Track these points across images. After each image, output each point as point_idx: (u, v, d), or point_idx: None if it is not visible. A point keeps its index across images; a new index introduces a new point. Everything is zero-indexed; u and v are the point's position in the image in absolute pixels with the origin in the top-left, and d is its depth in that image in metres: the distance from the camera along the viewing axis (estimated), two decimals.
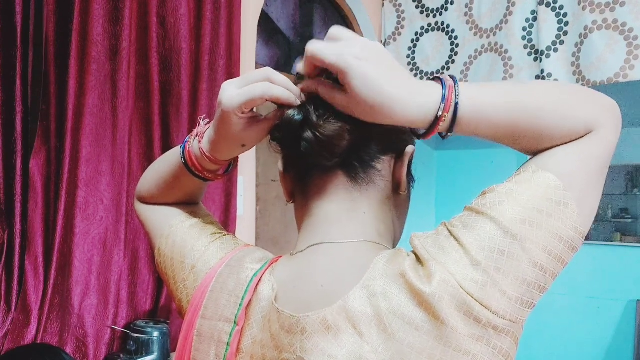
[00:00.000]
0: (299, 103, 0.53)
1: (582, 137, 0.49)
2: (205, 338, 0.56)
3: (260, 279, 0.55)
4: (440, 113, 0.47)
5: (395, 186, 0.58)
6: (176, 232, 0.65)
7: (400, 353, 0.45)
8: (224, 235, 0.66)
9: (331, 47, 0.49)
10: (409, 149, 0.57)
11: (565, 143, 0.49)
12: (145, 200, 0.71)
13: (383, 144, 0.56)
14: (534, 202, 0.46)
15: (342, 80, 0.48)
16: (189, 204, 0.70)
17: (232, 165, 0.64)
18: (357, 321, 0.47)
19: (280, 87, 0.53)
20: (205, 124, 0.61)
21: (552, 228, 0.46)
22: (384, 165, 0.56)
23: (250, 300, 0.54)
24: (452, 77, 0.50)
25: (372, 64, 0.47)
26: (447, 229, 0.49)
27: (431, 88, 0.49)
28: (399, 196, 0.59)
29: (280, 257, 0.59)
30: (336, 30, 0.51)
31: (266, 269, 0.57)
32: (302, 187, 0.58)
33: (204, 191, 0.73)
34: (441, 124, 0.48)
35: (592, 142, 0.49)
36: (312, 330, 0.48)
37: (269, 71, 0.54)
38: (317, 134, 0.51)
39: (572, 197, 0.47)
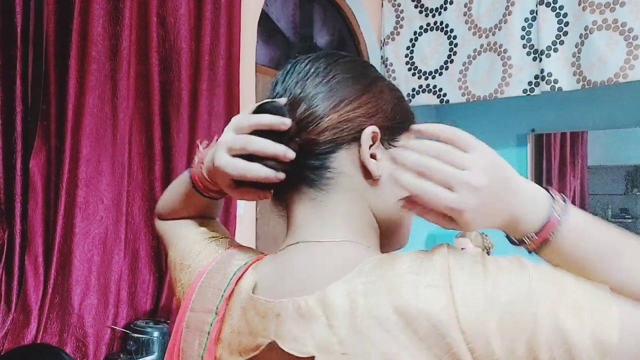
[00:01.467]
0: (286, 156, 0.53)
1: None
2: (191, 329, 0.59)
3: (243, 273, 0.57)
4: (529, 241, 0.49)
5: (367, 174, 0.55)
6: (183, 240, 0.70)
7: (365, 351, 0.45)
8: (222, 237, 0.69)
9: (446, 197, 0.47)
10: (367, 131, 0.54)
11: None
12: (163, 217, 0.77)
13: (328, 143, 0.54)
14: (586, 319, 0.43)
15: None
16: (203, 217, 0.75)
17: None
18: (331, 313, 0.47)
19: (261, 141, 0.53)
20: (204, 148, 0.65)
21: (578, 342, 0.43)
22: (339, 161, 0.55)
23: (232, 292, 0.56)
24: (563, 197, 0.49)
25: (487, 211, 0.48)
26: (481, 259, 0.48)
27: (538, 213, 0.48)
28: (376, 185, 0.56)
29: (266, 255, 0.61)
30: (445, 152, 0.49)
31: (250, 264, 0.58)
32: (280, 198, 0.61)
33: (219, 206, 0.77)
34: (529, 246, 0.50)
35: None
36: (286, 316, 0.49)
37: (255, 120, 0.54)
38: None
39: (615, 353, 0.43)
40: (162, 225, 0.76)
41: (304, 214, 0.57)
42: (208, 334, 0.56)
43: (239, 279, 0.57)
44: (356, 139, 0.54)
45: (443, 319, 0.43)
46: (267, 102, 0.55)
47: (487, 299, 0.44)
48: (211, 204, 0.72)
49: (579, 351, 0.42)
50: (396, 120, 0.57)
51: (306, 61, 0.57)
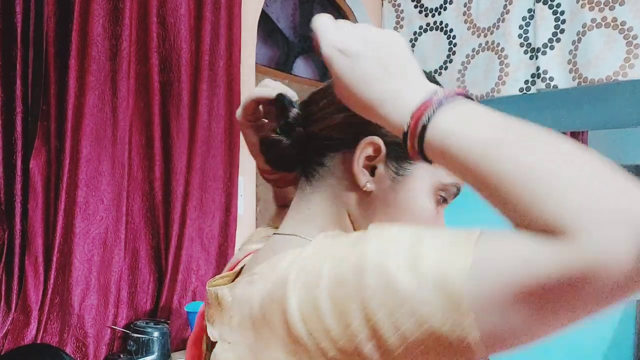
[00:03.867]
0: (273, 96, 0.58)
1: (542, 233, 0.34)
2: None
3: (239, 261, 0.62)
4: (406, 129, 0.42)
5: (355, 183, 0.54)
6: (261, 228, 0.76)
7: (241, 342, 0.47)
8: (272, 227, 0.74)
9: (328, 32, 0.47)
10: (366, 140, 0.52)
11: (524, 227, 0.35)
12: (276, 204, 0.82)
13: (327, 138, 0.55)
14: (423, 271, 0.37)
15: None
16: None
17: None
18: (234, 303, 0.50)
19: (262, 87, 0.59)
20: None
21: (422, 315, 0.36)
22: (334, 161, 0.55)
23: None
24: (461, 93, 0.43)
25: (356, 61, 0.44)
26: (324, 238, 0.47)
27: (414, 98, 0.42)
28: (363, 193, 0.54)
29: None
30: (350, 22, 0.49)
31: (249, 254, 0.62)
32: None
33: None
34: (409, 143, 0.42)
35: (547, 250, 0.32)
36: (210, 302, 0.55)
37: (265, 80, 0.61)
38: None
39: (472, 297, 0.35)
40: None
41: (293, 206, 0.59)
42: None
43: (234, 266, 0.62)
44: (353, 145, 0.53)
45: (287, 307, 0.43)
46: (281, 93, 0.58)
47: (309, 283, 0.42)
48: (283, 192, 0.77)
49: (424, 309, 0.36)
50: None
51: None
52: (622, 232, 0.30)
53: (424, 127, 0.40)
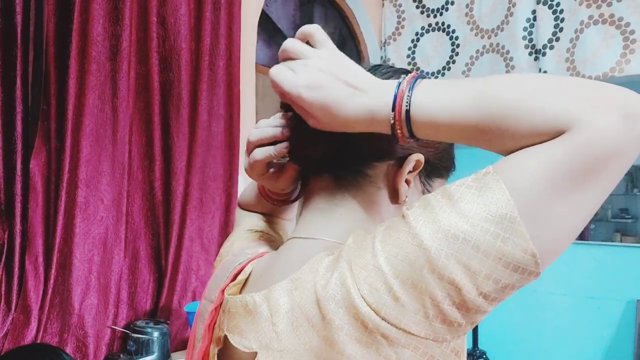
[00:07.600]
0: (283, 134, 0.57)
1: (555, 137, 0.40)
2: (201, 316, 0.62)
3: (243, 267, 0.59)
4: (392, 121, 0.46)
5: (393, 195, 0.56)
6: (235, 232, 0.73)
7: (297, 348, 0.46)
8: (258, 231, 0.71)
9: (286, 77, 0.49)
10: (414, 157, 0.54)
11: (535, 144, 0.41)
12: (240, 207, 0.81)
13: (375, 149, 0.54)
14: (468, 213, 0.41)
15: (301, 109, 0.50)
16: (268, 215, 0.77)
17: (299, 192, 0.69)
18: (275, 310, 0.48)
19: (260, 129, 0.58)
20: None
21: (484, 245, 0.40)
22: (376, 171, 0.55)
23: (228, 284, 0.58)
24: (420, 75, 0.47)
25: (325, 89, 0.48)
26: (378, 227, 0.48)
27: (385, 97, 0.47)
28: (398, 204, 0.56)
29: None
30: (290, 46, 0.51)
31: (253, 258, 0.60)
32: (303, 188, 0.62)
33: (287, 209, 0.78)
34: (399, 131, 0.46)
35: (560, 143, 0.39)
36: (235, 312, 0.52)
37: (259, 123, 0.60)
38: (296, 141, 0.56)
39: (520, 210, 0.39)
40: (237, 214, 0.81)
41: (314, 209, 0.57)
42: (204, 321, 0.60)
43: (238, 272, 0.58)
44: (403, 159, 0.55)
45: (352, 301, 0.43)
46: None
47: (376, 269, 0.43)
48: (276, 208, 0.75)
49: (485, 239, 0.40)
50: (441, 162, 0.59)
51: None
52: (610, 114, 0.38)
53: (408, 112, 0.45)
